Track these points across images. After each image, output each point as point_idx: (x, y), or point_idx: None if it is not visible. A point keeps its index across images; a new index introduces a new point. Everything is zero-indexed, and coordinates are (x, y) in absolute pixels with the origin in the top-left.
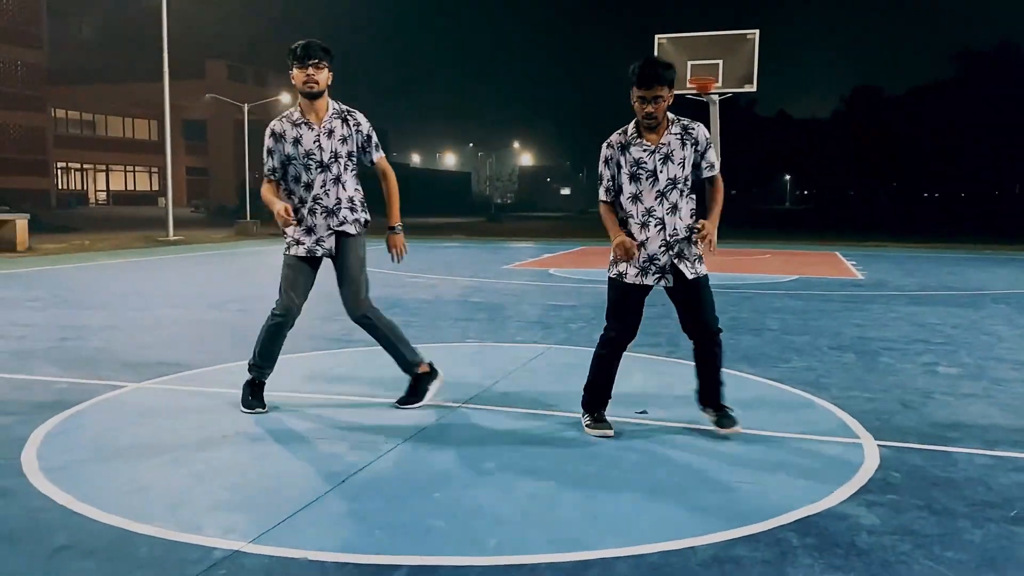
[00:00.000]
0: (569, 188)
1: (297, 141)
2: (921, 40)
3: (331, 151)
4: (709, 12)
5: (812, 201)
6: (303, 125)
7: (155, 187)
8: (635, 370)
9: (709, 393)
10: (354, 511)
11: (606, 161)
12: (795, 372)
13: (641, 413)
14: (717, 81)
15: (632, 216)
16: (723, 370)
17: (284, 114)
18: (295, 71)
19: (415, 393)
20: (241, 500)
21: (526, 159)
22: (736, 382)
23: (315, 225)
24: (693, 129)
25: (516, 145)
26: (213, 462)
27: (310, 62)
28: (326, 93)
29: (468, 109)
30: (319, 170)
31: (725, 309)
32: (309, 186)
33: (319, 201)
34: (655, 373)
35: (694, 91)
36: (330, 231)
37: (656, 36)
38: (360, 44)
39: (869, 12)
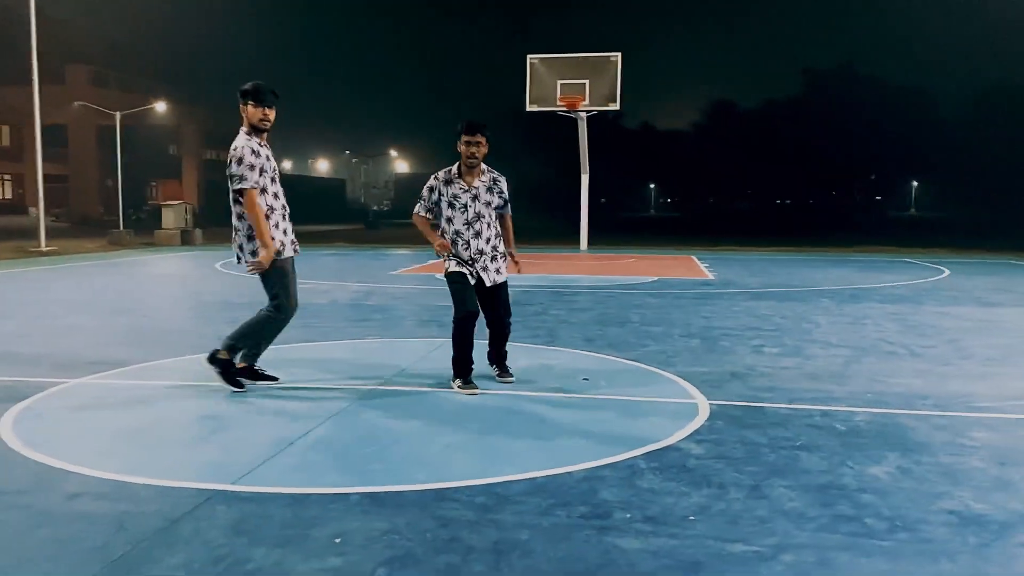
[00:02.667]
0: None
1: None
2: (773, 57)
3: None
4: (579, 31)
5: (675, 208)
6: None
7: (8, 195)
8: (520, 355)
9: (496, 356)
10: (306, 462)
11: (431, 189)
12: (649, 354)
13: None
14: (585, 99)
15: (446, 233)
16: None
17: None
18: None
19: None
20: (212, 459)
21: (402, 166)
22: (602, 363)
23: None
24: (499, 181)
25: (393, 153)
26: (176, 434)
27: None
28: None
29: (342, 116)
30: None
31: (593, 307)
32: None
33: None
34: (537, 357)
35: (564, 108)
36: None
37: (528, 56)
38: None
39: (726, 30)
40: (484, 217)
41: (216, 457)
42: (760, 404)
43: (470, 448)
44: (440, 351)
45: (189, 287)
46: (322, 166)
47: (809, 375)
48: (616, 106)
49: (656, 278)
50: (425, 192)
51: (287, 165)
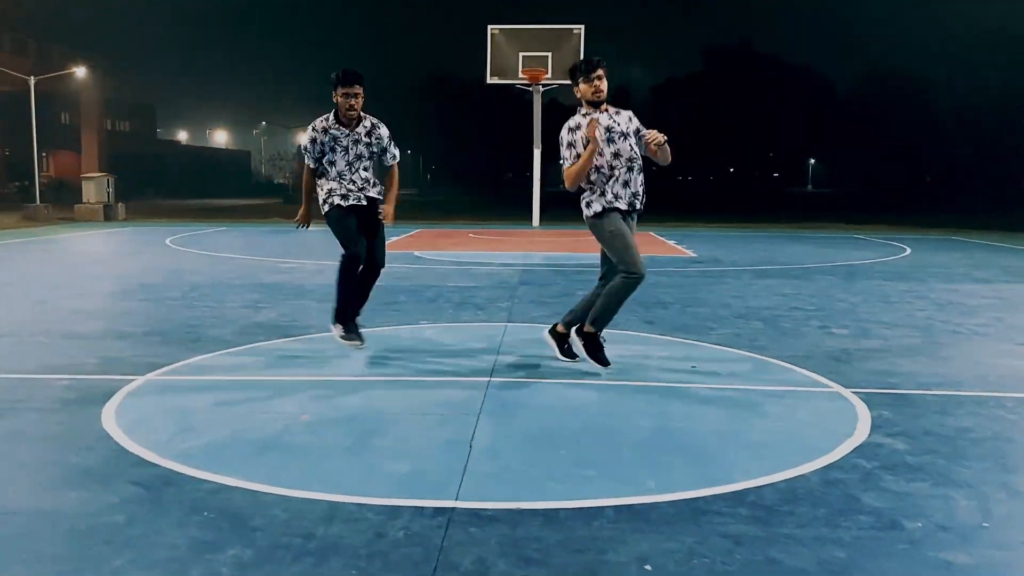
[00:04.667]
0: None
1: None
2: (676, 35)
3: None
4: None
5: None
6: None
7: None
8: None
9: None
10: (506, 468)
11: (312, 140)
12: (727, 337)
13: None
14: (547, 73)
15: (328, 177)
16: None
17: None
18: (582, 84)
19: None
20: (395, 470)
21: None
22: (689, 348)
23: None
24: (378, 127)
25: (300, 124)
26: (323, 438)
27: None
28: None
29: (250, 84)
30: None
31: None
32: None
33: None
34: (620, 343)
35: (526, 81)
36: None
37: (489, 27)
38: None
39: (627, 6)
40: (364, 158)
41: (397, 466)
42: (900, 391)
43: (669, 449)
44: (511, 336)
45: (169, 268)
46: (220, 137)
47: (907, 357)
48: None
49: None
50: (308, 144)
51: (183, 135)
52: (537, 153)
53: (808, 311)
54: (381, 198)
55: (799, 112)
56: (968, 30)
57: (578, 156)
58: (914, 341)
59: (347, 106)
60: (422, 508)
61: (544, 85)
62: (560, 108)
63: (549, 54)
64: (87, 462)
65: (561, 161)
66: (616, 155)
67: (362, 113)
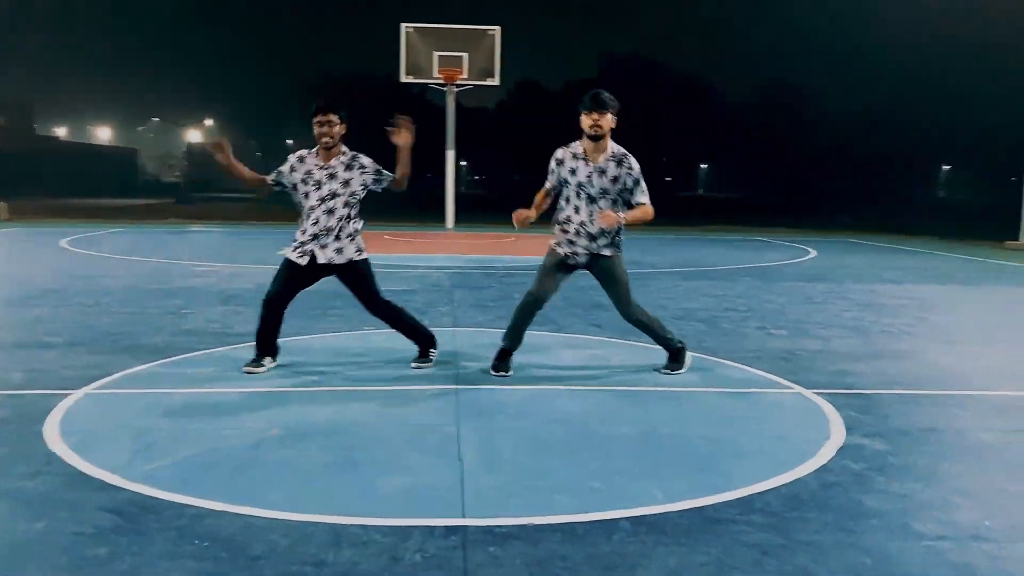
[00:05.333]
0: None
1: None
2: (573, 39)
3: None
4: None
5: (484, 186)
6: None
7: None
8: (554, 345)
9: (411, 337)
10: (507, 484)
11: (292, 167)
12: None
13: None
14: (463, 73)
15: (303, 212)
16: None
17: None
18: (583, 117)
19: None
20: (396, 486)
21: (196, 136)
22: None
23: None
24: (360, 157)
25: (189, 121)
26: (305, 456)
27: (596, 110)
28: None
29: (136, 81)
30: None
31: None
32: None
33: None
34: (573, 347)
35: (441, 81)
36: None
37: (403, 25)
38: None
39: (529, 9)
40: (338, 196)
41: (391, 483)
42: (859, 391)
43: (663, 457)
44: (463, 342)
45: (72, 272)
46: (103, 133)
47: (852, 358)
48: (495, 81)
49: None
50: (284, 166)
51: (61, 132)
52: (450, 154)
53: (742, 312)
54: (340, 261)
55: (690, 118)
56: (848, 40)
57: (276, 184)
58: (853, 342)
59: (320, 134)
60: (432, 528)
61: (459, 85)
62: (427, 105)
63: (465, 54)
64: (42, 488)
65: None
66: (576, 210)
67: (344, 148)
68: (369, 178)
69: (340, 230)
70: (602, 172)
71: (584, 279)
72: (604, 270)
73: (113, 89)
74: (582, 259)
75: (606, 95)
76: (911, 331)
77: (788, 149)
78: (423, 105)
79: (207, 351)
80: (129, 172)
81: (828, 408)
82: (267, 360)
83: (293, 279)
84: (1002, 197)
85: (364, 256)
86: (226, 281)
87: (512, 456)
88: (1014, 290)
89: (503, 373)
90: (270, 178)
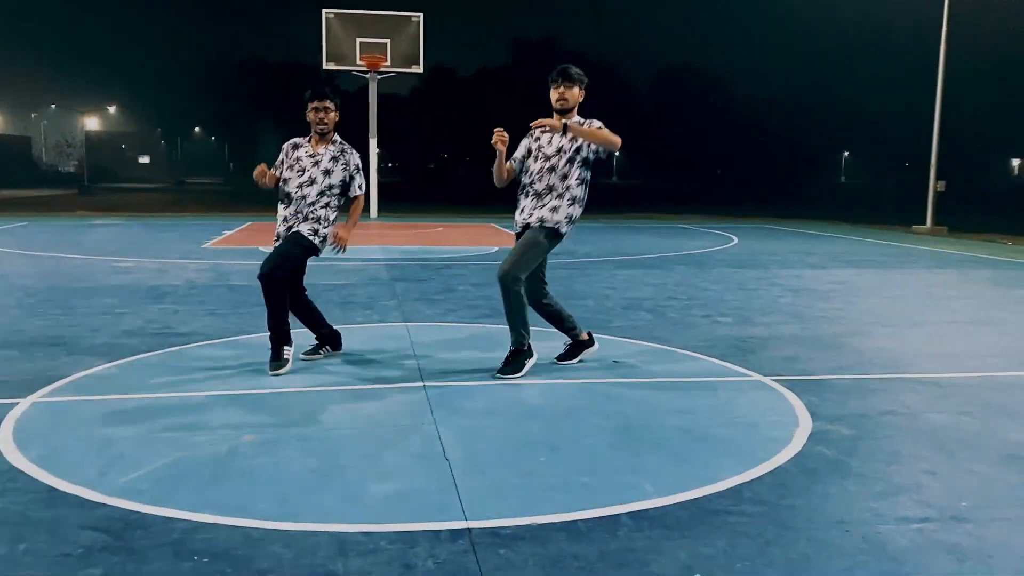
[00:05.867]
0: (149, 157)
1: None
2: (485, 26)
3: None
4: None
5: (399, 174)
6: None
7: None
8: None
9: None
10: (498, 483)
11: (285, 156)
12: (627, 329)
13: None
14: (386, 60)
15: (281, 197)
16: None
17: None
18: (551, 91)
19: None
20: (384, 491)
21: (92, 123)
22: (600, 344)
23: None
24: (348, 152)
25: (85, 109)
26: (277, 462)
27: (564, 83)
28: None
29: (30, 65)
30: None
31: (485, 280)
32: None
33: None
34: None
35: (364, 68)
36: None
37: (324, 11)
38: None
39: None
40: (316, 183)
41: (381, 487)
42: (814, 377)
43: (645, 449)
44: (419, 338)
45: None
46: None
47: (799, 344)
48: (420, 69)
49: (496, 248)
50: (281, 154)
51: None
52: (372, 143)
53: (684, 300)
54: (294, 234)
55: (601, 105)
56: (758, 30)
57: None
58: (795, 328)
59: (317, 119)
60: (436, 532)
61: (382, 73)
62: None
63: (388, 41)
64: (14, 507)
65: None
66: (526, 172)
67: (338, 138)
68: (347, 176)
69: (308, 214)
70: (558, 144)
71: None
72: (525, 235)
73: (5, 74)
74: (521, 220)
75: (574, 69)
76: (846, 316)
77: (694, 135)
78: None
79: (156, 352)
80: (24, 161)
81: (788, 395)
82: (287, 350)
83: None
84: (896, 181)
85: (312, 241)
86: (155, 277)
87: (496, 454)
88: (929, 273)
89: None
90: (279, 175)
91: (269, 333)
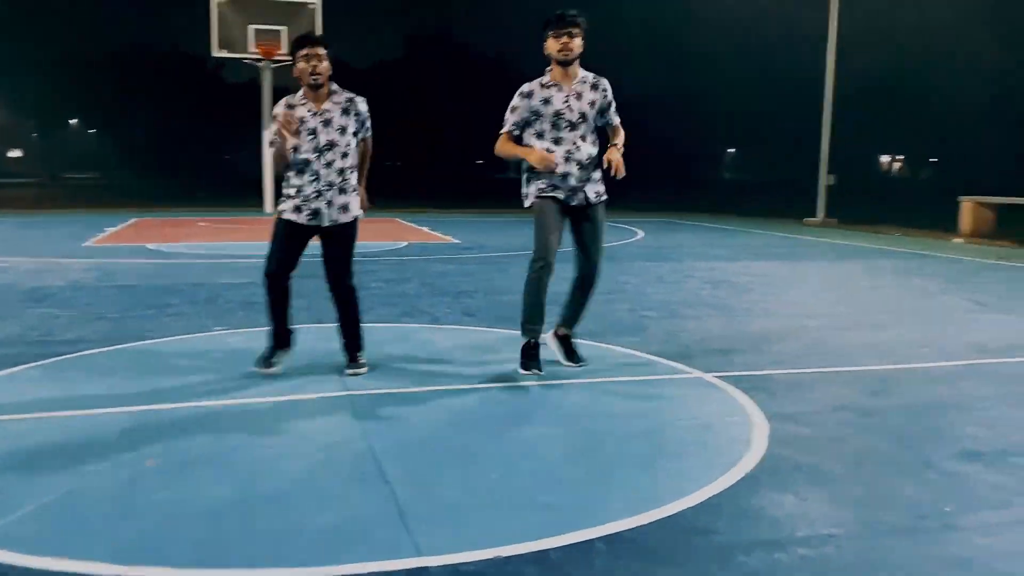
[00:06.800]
0: (21, 151)
1: (547, 101)
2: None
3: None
4: None
5: None
6: (553, 87)
7: None
8: (437, 336)
9: (348, 338)
10: (463, 505)
11: (274, 116)
12: (552, 325)
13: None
14: (281, 48)
15: (293, 167)
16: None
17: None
18: (550, 40)
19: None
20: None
21: None
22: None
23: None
24: (357, 101)
25: None
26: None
27: (564, 31)
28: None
29: None
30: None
31: (403, 276)
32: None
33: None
34: (455, 339)
35: (258, 56)
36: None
37: None
38: None
39: None
40: (337, 146)
41: (320, 520)
42: (756, 372)
43: (603, 462)
44: (334, 341)
45: None
46: None
47: (731, 338)
48: None
49: (406, 243)
50: (278, 116)
51: None
52: (267, 134)
53: (608, 295)
54: (346, 220)
55: (499, 100)
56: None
57: (515, 125)
58: (724, 321)
59: (309, 69)
60: (390, 573)
61: (277, 62)
62: (223, 85)
63: (283, 28)
64: None
65: (503, 124)
66: (556, 141)
67: (334, 86)
68: (361, 127)
69: (344, 183)
70: (579, 96)
71: (429, 264)
72: (596, 213)
73: None
74: (581, 196)
75: (573, 11)
76: (771, 309)
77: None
78: (219, 83)
79: (37, 364)
80: None
81: (735, 391)
82: (280, 354)
83: (296, 242)
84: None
85: (358, 217)
86: (32, 278)
87: (439, 472)
88: (836, 264)
89: (536, 371)
90: (273, 140)
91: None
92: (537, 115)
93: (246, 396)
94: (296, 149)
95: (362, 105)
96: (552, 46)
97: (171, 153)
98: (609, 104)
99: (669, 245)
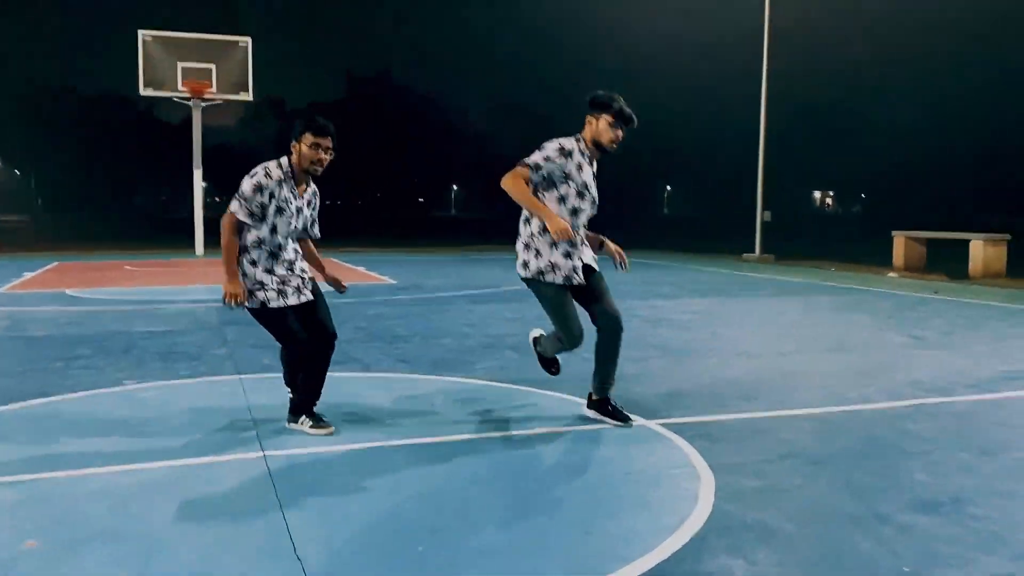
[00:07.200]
0: None
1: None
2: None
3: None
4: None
5: (222, 209)
6: (587, 156)
7: None
8: (361, 388)
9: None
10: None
11: (260, 188)
12: (493, 371)
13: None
14: (211, 86)
15: (258, 247)
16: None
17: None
18: (604, 125)
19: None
20: None
21: None
22: (472, 390)
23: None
24: (315, 197)
25: None
26: None
27: (627, 126)
28: None
29: None
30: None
31: (335, 320)
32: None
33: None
34: (387, 390)
35: (187, 95)
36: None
37: (140, 32)
38: None
39: (276, 30)
40: (296, 232)
41: None
42: (700, 418)
43: (547, 526)
44: (255, 394)
45: None
46: None
47: (672, 380)
48: (249, 96)
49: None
50: (250, 192)
51: None
52: (197, 174)
53: None
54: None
55: (437, 139)
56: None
57: (540, 174)
58: (664, 363)
59: (316, 159)
60: None
61: (207, 100)
62: (154, 123)
63: (213, 66)
64: None
65: (526, 160)
66: (574, 212)
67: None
68: (313, 211)
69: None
70: (595, 176)
71: (364, 306)
72: (598, 278)
73: None
74: (581, 270)
75: (631, 112)
76: (711, 348)
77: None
78: (151, 123)
79: None
80: None
81: (678, 440)
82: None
83: (297, 317)
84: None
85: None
86: None
87: (362, 546)
88: (775, 300)
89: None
90: (245, 220)
91: (308, 397)
92: (567, 179)
93: (150, 460)
94: (274, 229)
95: (315, 191)
96: (605, 134)
97: (100, 194)
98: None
99: (608, 283)
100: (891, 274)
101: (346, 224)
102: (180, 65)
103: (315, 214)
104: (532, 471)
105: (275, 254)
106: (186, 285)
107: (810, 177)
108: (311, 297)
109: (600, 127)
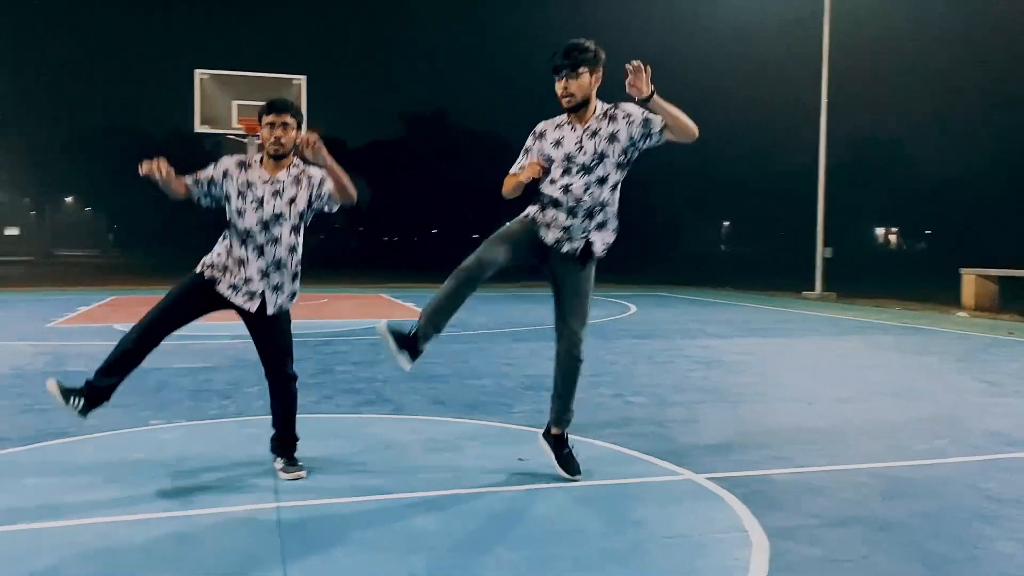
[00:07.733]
0: (18, 228)
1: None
2: (377, 100)
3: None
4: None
5: None
6: (567, 126)
7: None
8: (395, 431)
9: (283, 438)
10: None
11: (226, 172)
12: (531, 416)
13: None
14: None
15: (234, 236)
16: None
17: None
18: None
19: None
20: None
21: None
22: (504, 433)
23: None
24: (313, 176)
25: None
26: None
27: (562, 71)
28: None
29: None
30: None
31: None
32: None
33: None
34: (418, 433)
35: (242, 132)
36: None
37: (196, 71)
38: None
39: (333, 71)
40: (284, 220)
41: None
42: (753, 472)
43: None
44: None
45: None
46: None
47: (723, 428)
48: (303, 132)
49: (385, 320)
50: (206, 173)
51: None
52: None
53: (591, 377)
54: (284, 313)
55: (490, 175)
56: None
57: (522, 168)
58: (714, 409)
59: (272, 138)
60: None
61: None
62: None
63: None
64: None
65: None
66: (565, 189)
67: (296, 160)
68: (314, 192)
69: (291, 264)
70: (594, 133)
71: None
72: (586, 269)
73: None
74: (576, 244)
75: (579, 46)
76: (765, 392)
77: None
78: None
79: None
80: None
81: (729, 498)
82: (93, 410)
83: (196, 309)
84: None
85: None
86: (29, 361)
87: None
88: (834, 341)
89: (408, 359)
90: (189, 184)
91: (278, 435)
92: (550, 160)
93: (153, 510)
94: (239, 213)
95: (315, 171)
96: (557, 90)
97: (170, 231)
98: (643, 123)
99: (661, 321)
100: (960, 313)
101: (397, 260)
102: (235, 103)
103: (313, 189)
104: (561, 530)
105: (243, 242)
106: (221, 321)
107: (873, 213)
108: (252, 310)
109: (262, 133)
